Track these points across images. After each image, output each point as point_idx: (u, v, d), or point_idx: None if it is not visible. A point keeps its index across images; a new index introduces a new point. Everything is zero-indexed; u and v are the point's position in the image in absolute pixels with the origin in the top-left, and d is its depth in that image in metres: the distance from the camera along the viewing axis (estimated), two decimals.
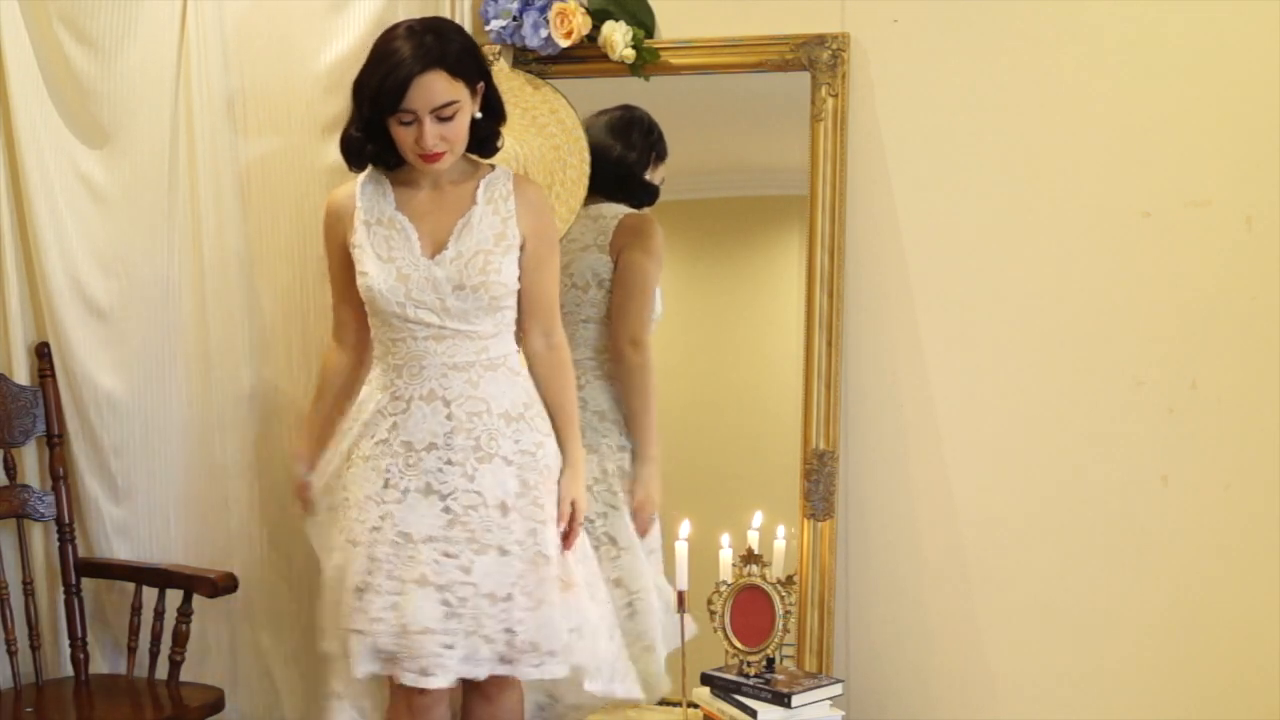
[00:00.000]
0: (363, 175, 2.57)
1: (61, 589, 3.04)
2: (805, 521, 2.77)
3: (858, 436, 2.80)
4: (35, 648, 2.97)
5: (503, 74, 2.85)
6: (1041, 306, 2.71)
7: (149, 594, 3.01)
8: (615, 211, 2.89)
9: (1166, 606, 2.66)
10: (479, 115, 2.49)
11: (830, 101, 2.76)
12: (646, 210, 2.91)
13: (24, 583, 2.99)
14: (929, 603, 2.79)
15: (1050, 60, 2.68)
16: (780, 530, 2.72)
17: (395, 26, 2.48)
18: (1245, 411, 2.61)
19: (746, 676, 2.58)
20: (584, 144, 2.80)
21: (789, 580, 2.63)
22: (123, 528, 3.09)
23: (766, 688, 2.53)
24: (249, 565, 3.07)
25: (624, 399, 2.86)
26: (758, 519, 2.69)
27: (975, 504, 2.76)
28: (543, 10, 2.84)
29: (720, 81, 2.85)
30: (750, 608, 2.60)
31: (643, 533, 2.84)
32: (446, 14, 2.86)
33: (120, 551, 3.09)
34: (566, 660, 2.47)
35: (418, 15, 2.87)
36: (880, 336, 2.79)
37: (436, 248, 2.49)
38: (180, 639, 2.94)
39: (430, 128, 2.41)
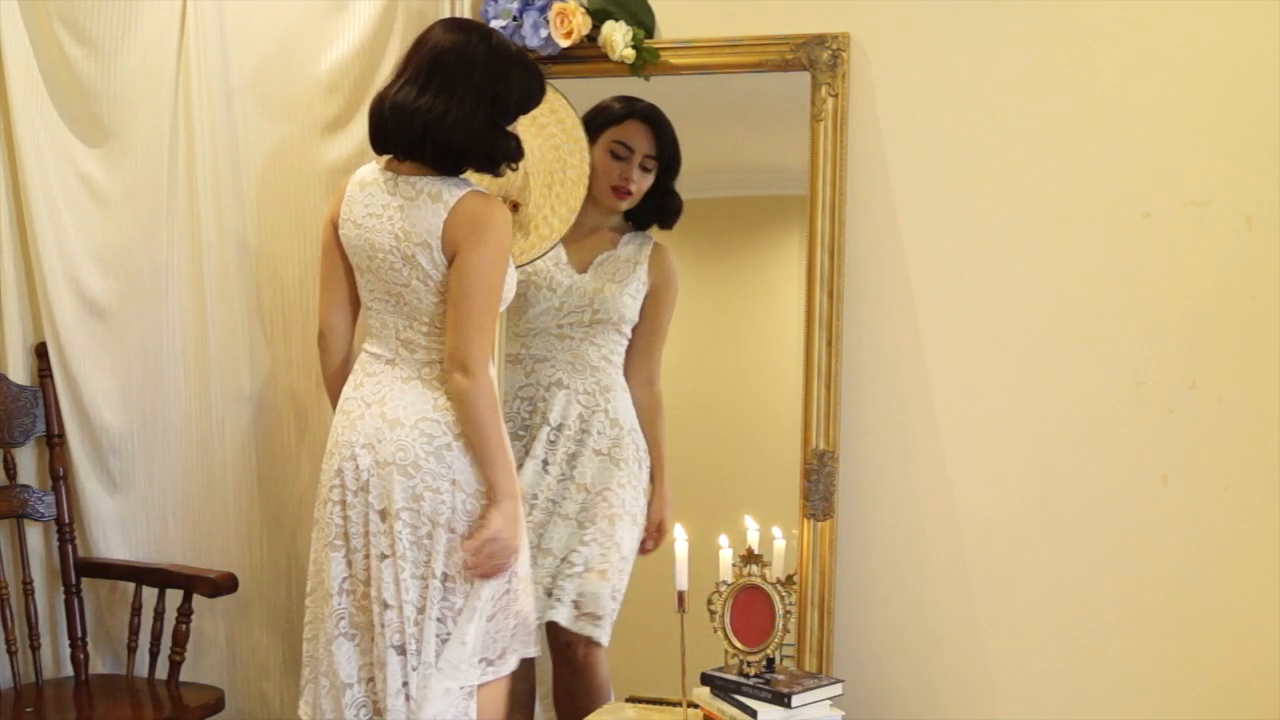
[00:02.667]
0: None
1: (61, 589, 3.04)
2: (805, 521, 2.77)
3: (858, 436, 2.80)
4: (35, 648, 2.97)
5: None
6: (1041, 306, 2.71)
7: (149, 594, 3.01)
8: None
9: (1166, 606, 2.66)
10: None
11: (830, 101, 2.76)
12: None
13: (23, 583, 2.99)
14: (929, 603, 2.79)
15: (1050, 60, 2.68)
16: (779, 530, 2.72)
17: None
18: (1245, 411, 2.60)
19: (746, 676, 2.57)
20: (584, 144, 2.80)
21: (789, 580, 2.63)
22: (121, 528, 3.09)
23: (766, 688, 2.52)
24: (249, 565, 3.07)
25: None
26: (751, 520, 2.68)
27: (975, 504, 2.76)
28: (543, 10, 2.84)
29: (720, 81, 2.85)
30: (750, 608, 2.60)
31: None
32: (446, 14, 2.85)
33: (119, 551, 3.09)
34: None
35: (416, 15, 2.87)
36: (880, 336, 2.79)
37: None
38: (180, 639, 2.94)
39: None
